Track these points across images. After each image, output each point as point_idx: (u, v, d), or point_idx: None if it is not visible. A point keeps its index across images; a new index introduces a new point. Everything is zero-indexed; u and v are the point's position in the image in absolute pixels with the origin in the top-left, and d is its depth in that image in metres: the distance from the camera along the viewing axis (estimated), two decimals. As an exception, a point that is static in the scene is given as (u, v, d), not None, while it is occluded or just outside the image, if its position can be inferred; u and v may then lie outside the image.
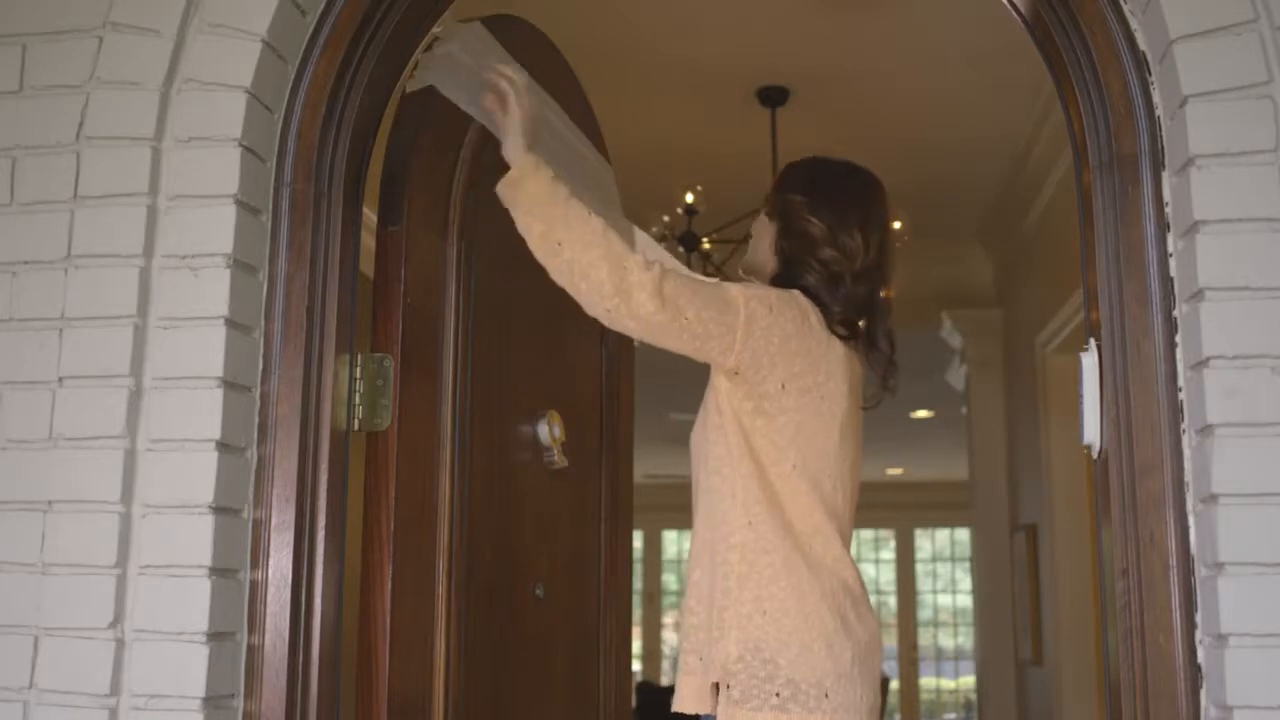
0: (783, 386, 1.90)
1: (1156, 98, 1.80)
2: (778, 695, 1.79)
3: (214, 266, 1.82)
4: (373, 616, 1.98)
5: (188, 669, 1.73)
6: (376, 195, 2.09)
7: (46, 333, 1.83)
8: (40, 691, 1.75)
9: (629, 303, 1.80)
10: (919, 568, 16.25)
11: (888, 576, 16.08)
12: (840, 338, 1.96)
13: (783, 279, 2.02)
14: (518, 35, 2.47)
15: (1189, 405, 1.69)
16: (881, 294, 2.04)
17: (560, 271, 1.84)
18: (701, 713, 1.89)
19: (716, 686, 1.85)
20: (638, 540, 14.75)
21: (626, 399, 2.88)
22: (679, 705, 1.91)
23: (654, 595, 15.78)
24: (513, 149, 1.92)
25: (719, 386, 1.93)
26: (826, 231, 1.99)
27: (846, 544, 1.96)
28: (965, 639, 15.63)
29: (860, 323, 2.02)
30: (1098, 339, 1.82)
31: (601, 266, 1.80)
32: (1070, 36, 1.87)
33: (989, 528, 7.01)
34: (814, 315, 1.94)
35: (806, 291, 1.99)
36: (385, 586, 1.98)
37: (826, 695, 1.80)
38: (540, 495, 2.50)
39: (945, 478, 12.66)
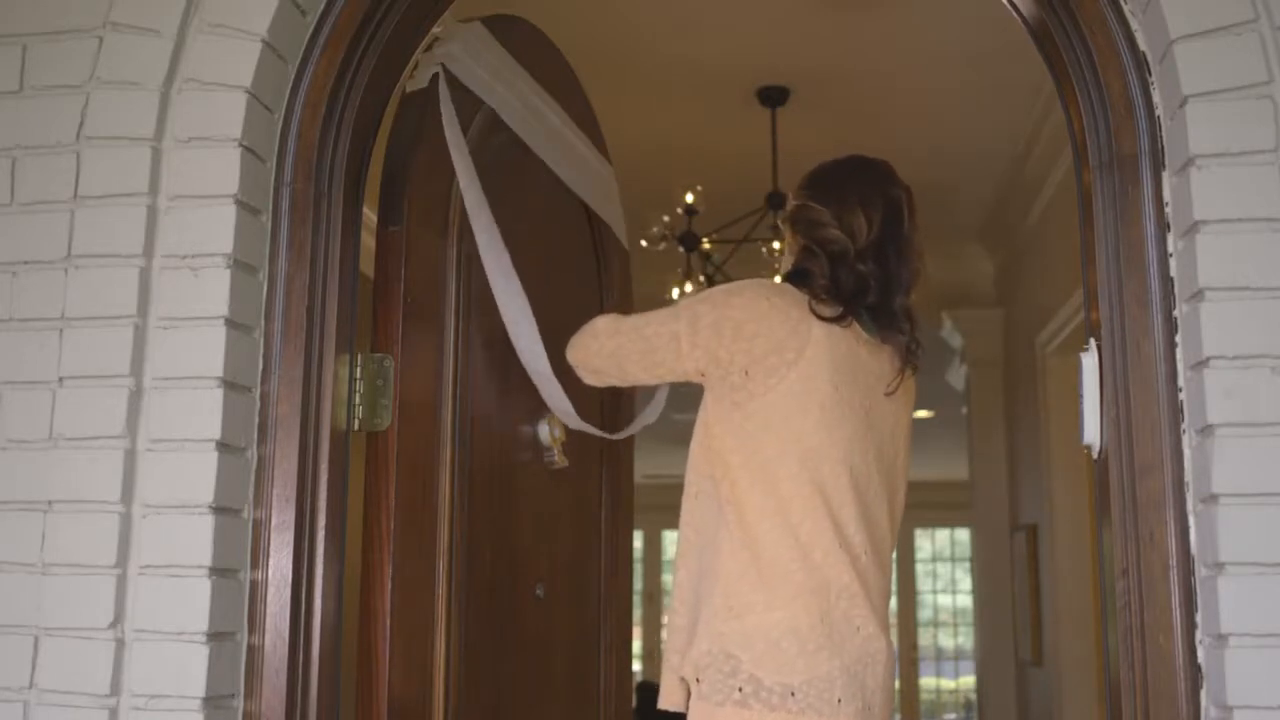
0: (746, 373, 1.92)
1: (1156, 98, 1.80)
2: (740, 691, 1.80)
3: (214, 266, 1.82)
4: (373, 616, 1.98)
5: (188, 669, 1.72)
6: (376, 195, 2.09)
7: (46, 333, 1.83)
8: (40, 691, 1.74)
9: (590, 340, 2.09)
10: (919, 568, 16.23)
11: (888, 576, 16.05)
12: (824, 318, 1.94)
13: (795, 269, 2.06)
14: (518, 35, 2.48)
15: (1189, 405, 1.69)
16: (895, 270, 2.02)
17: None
18: (683, 710, 1.91)
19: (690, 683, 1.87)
20: (638, 540, 14.75)
21: (627, 399, 2.88)
22: (662, 702, 1.94)
23: (654, 595, 15.77)
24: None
25: (704, 399, 2.00)
26: (830, 215, 2.02)
27: (858, 530, 1.91)
28: (965, 639, 15.62)
29: (871, 301, 1.99)
30: (1098, 339, 1.82)
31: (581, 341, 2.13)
32: (1070, 36, 1.87)
33: (989, 528, 7.01)
34: (782, 298, 1.95)
35: (801, 276, 2.01)
36: (385, 586, 1.98)
37: (793, 694, 1.79)
38: (540, 495, 2.50)
39: (945, 478, 12.63)
